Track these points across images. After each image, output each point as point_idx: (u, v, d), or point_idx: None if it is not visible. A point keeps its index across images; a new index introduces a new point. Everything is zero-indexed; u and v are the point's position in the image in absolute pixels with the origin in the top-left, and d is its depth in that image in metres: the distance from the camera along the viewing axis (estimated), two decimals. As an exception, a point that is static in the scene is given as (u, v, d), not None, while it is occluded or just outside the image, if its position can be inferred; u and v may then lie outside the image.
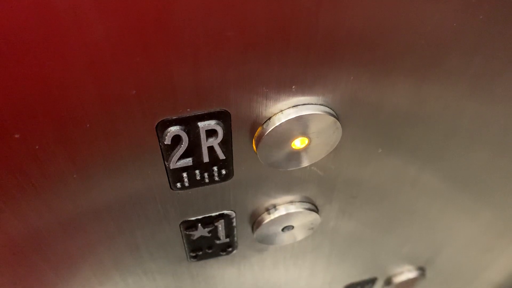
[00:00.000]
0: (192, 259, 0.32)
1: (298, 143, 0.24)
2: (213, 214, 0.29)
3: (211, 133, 0.23)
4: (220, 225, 0.30)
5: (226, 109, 0.22)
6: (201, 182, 0.25)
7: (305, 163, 0.26)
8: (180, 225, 0.29)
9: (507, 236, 0.44)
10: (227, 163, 0.25)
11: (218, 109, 0.22)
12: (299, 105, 0.23)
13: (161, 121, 0.21)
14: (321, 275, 0.41)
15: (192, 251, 0.31)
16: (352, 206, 0.32)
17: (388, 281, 0.45)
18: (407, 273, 0.45)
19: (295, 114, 0.23)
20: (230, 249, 0.32)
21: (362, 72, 0.22)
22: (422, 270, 0.45)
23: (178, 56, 0.19)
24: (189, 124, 0.22)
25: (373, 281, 0.45)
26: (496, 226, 0.42)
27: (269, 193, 0.29)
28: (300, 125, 0.23)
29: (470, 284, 0.53)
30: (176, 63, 0.19)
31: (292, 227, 0.32)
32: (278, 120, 0.23)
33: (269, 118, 0.23)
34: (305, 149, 0.25)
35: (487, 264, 0.49)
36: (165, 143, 0.22)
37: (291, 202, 0.30)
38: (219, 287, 0.37)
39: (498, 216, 0.41)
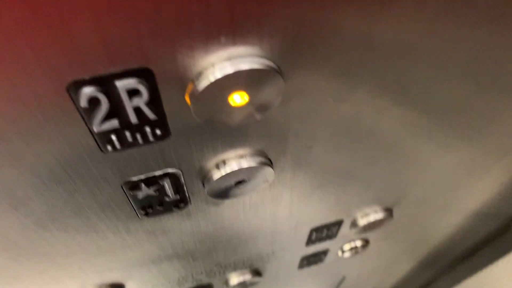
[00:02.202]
0: (143, 217, 0.31)
1: (237, 99, 0.22)
2: (157, 174, 0.27)
3: (134, 93, 0.20)
4: (167, 184, 0.28)
5: (147, 66, 0.19)
6: (135, 143, 0.23)
7: (248, 119, 0.24)
8: (121, 186, 0.27)
9: (474, 174, 0.43)
10: (160, 123, 0.23)
11: (136, 67, 0.19)
12: (233, 58, 0.20)
13: (71, 82, 0.19)
14: (285, 222, 0.40)
15: (142, 209, 0.30)
16: (308, 156, 0.31)
17: (355, 223, 0.45)
18: (374, 215, 0.45)
19: (229, 69, 0.20)
20: (182, 204, 0.31)
21: (301, 17, 0.19)
22: (389, 211, 0.45)
23: (71, 7, 0.16)
24: (105, 84, 0.19)
25: (339, 223, 0.45)
26: (464, 164, 0.41)
27: (216, 148, 0.27)
28: (236, 80, 0.21)
29: (438, 219, 0.54)
30: (72, 16, 0.16)
31: (245, 181, 0.30)
32: (212, 75, 0.20)
33: (200, 73, 0.20)
34: (246, 105, 0.22)
35: (456, 201, 0.49)
36: (82, 106, 0.20)
37: (242, 156, 0.28)
38: (178, 239, 0.37)
39: (466, 154, 0.40)
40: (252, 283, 0.51)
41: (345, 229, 0.46)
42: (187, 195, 0.30)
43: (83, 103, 0.20)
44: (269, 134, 0.27)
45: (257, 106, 0.23)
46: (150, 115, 0.22)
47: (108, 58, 0.18)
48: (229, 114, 0.23)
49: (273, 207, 0.37)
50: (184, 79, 0.21)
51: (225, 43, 0.19)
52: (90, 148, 0.23)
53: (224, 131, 0.25)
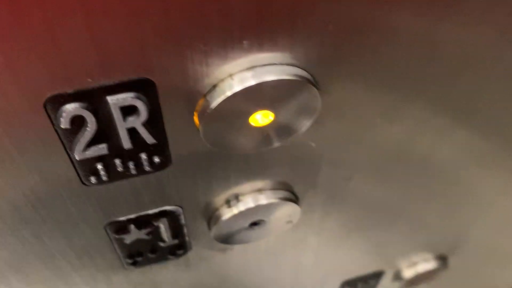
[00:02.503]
0: (129, 266, 0.30)
1: (260, 118, 0.22)
2: (151, 212, 0.26)
3: (129, 110, 0.20)
4: (163, 225, 0.28)
5: (148, 77, 0.19)
6: (126, 174, 0.23)
7: (271, 144, 0.23)
8: (105, 227, 0.26)
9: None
10: (160, 149, 0.22)
11: (134, 78, 0.19)
12: (256, 66, 0.20)
13: (49, 97, 0.18)
14: (310, 273, 0.40)
15: (129, 257, 0.29)
16: (344, 190, 0.30)
17: (399, 275, 0.44)
18: (423, 264, 0.44)
19: (251, 80, 0.20)
20: (180, 251, 0.31)
21: (346, 16, 0.19)
22: (443, 259, 0.44)
23: (57, 5, 0.15)
24: (93, 99, 0.19)
25: (378, 275, 0.44)
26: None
27: (227, 180, 0.26)
28: (259, 94, 0.20)
29: (503, 270, 0.53)
30: (57, 15, 0.16)
31: (264, 221, 0.30)
32: (229, 87, 0.20)
33: (215, 86, 0.20)
34: (270, 125, 0.22)
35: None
36: (62, 126, 0.19)
37: (260, 190, 0.28)
38: (173, 295, 0.36)
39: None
40: None
41: (386, 282, 0.46)
42: (187, 239, 0.30)
43: (64, 123, 0.19)
44: (297, 162, 0.27)
45: (284, 127, 0.23)
46: (148, 138, 0.21)
47: (99, 67, 0.18)
48: (247, 137, 0.22)
49: (296, 254, 0.36)
50: (193, 93, 0.20)
51: (249, 47, 0.19)
52: (68, 180, 0.23)
53: (239, 158, 0.25)
